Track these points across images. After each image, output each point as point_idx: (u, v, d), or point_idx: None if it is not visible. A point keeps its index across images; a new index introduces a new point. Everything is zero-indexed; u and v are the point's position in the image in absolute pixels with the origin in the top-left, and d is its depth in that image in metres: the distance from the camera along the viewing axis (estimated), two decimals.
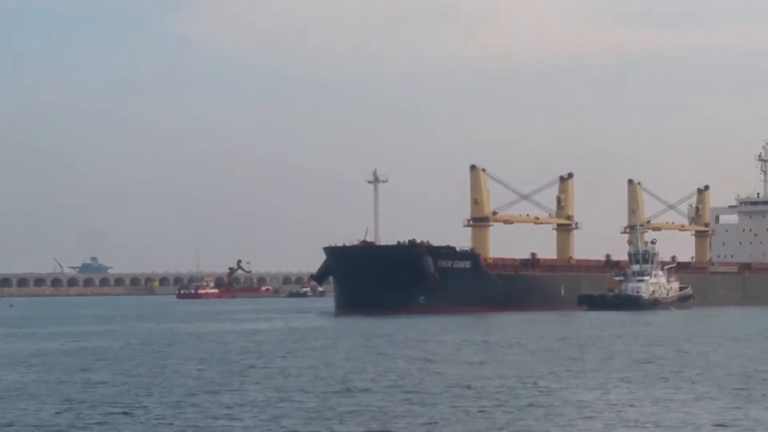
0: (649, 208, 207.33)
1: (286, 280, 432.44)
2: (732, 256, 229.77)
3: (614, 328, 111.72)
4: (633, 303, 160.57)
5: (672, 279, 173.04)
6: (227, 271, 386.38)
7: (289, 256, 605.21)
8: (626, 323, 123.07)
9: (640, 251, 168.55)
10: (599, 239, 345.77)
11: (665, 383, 54.90)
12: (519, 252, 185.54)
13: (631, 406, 45.76)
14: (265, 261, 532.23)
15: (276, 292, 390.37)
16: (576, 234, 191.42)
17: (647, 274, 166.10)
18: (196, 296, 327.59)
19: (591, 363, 68.02)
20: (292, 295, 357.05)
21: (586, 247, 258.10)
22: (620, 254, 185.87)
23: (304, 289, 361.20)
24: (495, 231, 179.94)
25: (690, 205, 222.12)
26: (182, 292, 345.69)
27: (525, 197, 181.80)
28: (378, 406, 45.48)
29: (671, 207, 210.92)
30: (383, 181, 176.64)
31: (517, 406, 45.79)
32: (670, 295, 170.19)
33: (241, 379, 57.70)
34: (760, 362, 68.47)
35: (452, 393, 50.39)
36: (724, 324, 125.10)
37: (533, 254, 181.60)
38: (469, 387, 52.95)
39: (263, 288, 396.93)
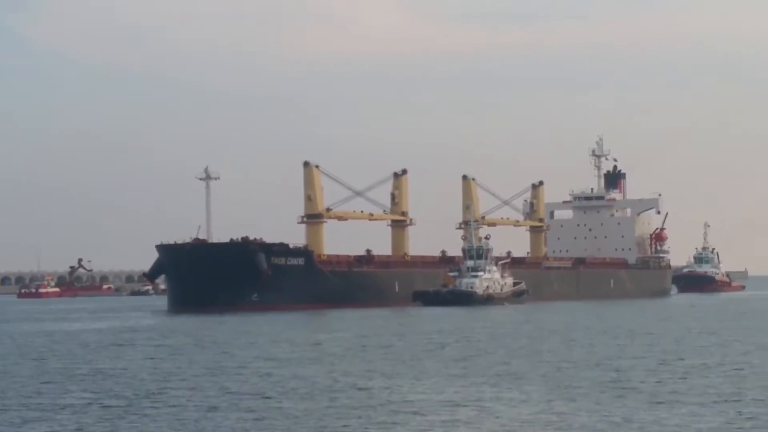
0: (484, 204, 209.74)
1: (129, 278, 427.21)
2: (567, 251, 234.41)
3: (443, 324, 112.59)
4: (467, 299, 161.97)
5: (506, 274, 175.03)
6: (69, 269, 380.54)
7: (131, 254, 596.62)
8: (460, 319, 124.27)
9: (474, 247, 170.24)
10: (435, 235, 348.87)
11: (487, 380, 55.24)
12: (354, 248, 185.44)
13: (456, 405, 45.55)
14: (108, 259, 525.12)
15: (118, 291, 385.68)
16: (411, 230, 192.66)
17: (481, 270, 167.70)
18: (37, 295, 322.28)
19: (409, 362, 68.17)
20: (134, 293, 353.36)
21: (421, 243, 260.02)
22: (455, 250, 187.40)
23: (146, 287, 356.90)
24: (329, 227, 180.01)
25: (525, 200, 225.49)
26: (23, 291, 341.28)
27: (359, 194, 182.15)
28: (172, 411, 44.86)
29: (506, 203, 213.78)
30: (215, 178, 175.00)
31: (324, 407, 45.42)
32: (504, 290, 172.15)
33: None
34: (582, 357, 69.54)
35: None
36: (550, 319, 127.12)
37: (368, 251, 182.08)
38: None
39: (105, 286, 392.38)
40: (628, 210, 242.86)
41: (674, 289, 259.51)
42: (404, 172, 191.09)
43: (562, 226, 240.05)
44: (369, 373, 58.43)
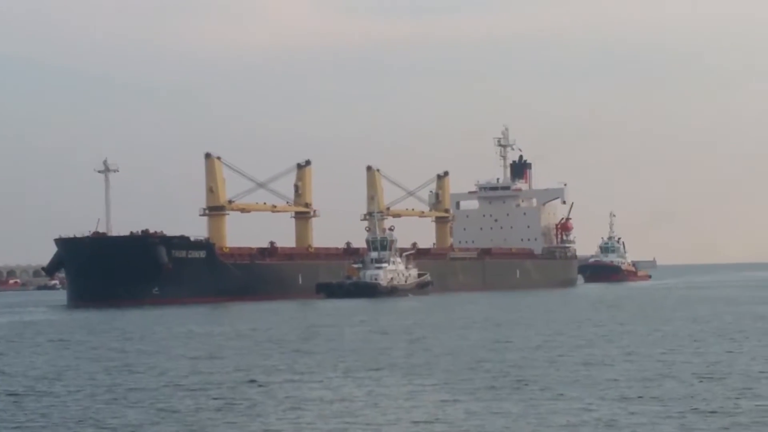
0: (389, 195, 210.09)
1: (36, 273, 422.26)
2: (473, 241, 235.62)
3: (344, 316, 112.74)
4: (371, 290, 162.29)
5: (410, 266, 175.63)
6: None
7: (38, 249, 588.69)
8: (362, 310, 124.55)
9: (378, 238, 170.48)
10: (340, 227, 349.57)
11: (389, 373, 55.30)
12: (258, 241, 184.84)
13: (349, 400, 45.48)
14: (15, 254, 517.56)
15: (24, 285, 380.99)
16: (315, 222, 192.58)
17: (385, 261, 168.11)
18: None
19: (313, 355, 68.14)
20: (40, 288, 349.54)
21: (326, 235, 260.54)
22: (360, 242, 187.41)
23: (53, 282, 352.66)
24: (232, 220, 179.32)
25: (430, 191, 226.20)
26: None
27: (262, 185, 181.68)
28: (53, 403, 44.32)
29: (411, 193, 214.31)
30: (114, 171, 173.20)
31: (216, 406, 45.14)
32: (409, 282, 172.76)
33: None
34: (484, 350, 69.96)
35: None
36: (452, 311, 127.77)
37: (272, 243, 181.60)
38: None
39: (11, 281, 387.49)
40: (534, 200, 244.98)
41: (581, 279, 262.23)
42: (308, 163, 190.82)
43: (468, 216, 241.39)
44: (261, 368, 58.22)
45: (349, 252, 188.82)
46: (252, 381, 51.48)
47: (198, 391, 48.14)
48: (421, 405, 42.12)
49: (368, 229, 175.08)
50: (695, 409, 40.17)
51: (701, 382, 48.31)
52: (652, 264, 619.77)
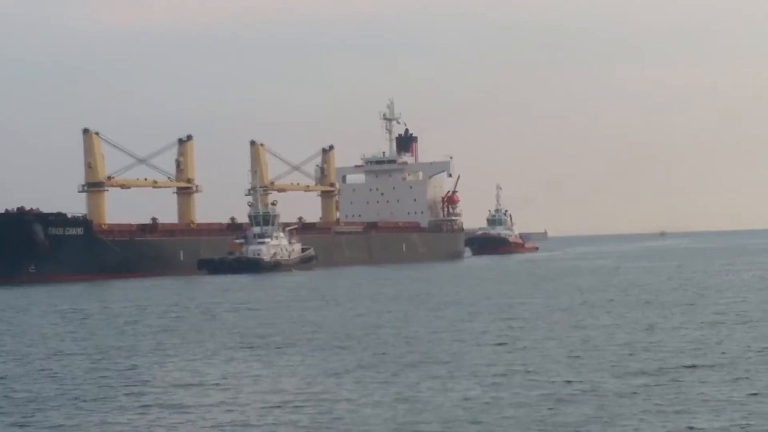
0: (273, 170, 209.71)
1: None
2: (360, 215, 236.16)
3: (225, 292, 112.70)
4: (253, 266, 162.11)
5: (294, 240, 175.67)
6: None
7: None
8: (244, 286, 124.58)
9: (261, 213, 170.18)
10: (224, 202, 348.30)
11: (257, 352, 55.51)
12: (140, 217, 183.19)
13: (207, 381, 45.62)
14: None
15: None
16: (199, 198, 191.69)
17: (268, 236, 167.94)
18: None
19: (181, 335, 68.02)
20: None
21: (211, 211, 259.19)
22: (245, 217, 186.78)
23: None
24: (112, 196, 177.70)
25: (316, 165, 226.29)
26: None
27: (142, 161, 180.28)
28: None
29: (296, 168, 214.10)
30: None
31: (87, 384, 44.98)
32: (292, 257, 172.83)
33: None
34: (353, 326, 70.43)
35: None
36: (335, 285, 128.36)
37: (154, 219, 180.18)
38: None
39: None
40: (420, 173, 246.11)
41: (468, 252, 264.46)
42: (189, 138, 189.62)
43: (354, 190, 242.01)
44: (135, 348, 58.09)
45: (233, 227, 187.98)
46: (114, 362, 51.40)
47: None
48: (285, 385, 42.09)
49: (251, 204, 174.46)
50: (552, 380, 41.12)
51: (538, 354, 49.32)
52: (544, 236, 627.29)
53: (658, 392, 36.82)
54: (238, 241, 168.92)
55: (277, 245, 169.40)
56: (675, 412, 32.94)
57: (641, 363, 44.49)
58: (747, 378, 39.51)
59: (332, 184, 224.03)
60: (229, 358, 50.63)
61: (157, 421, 34.41)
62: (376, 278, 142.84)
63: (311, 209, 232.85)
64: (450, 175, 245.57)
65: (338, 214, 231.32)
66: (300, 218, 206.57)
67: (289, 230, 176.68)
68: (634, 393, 36.70)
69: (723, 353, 47.24)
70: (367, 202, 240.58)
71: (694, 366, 43.10)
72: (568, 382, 39.72)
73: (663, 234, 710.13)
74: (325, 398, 37.73)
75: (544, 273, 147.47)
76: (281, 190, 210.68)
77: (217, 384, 42.32)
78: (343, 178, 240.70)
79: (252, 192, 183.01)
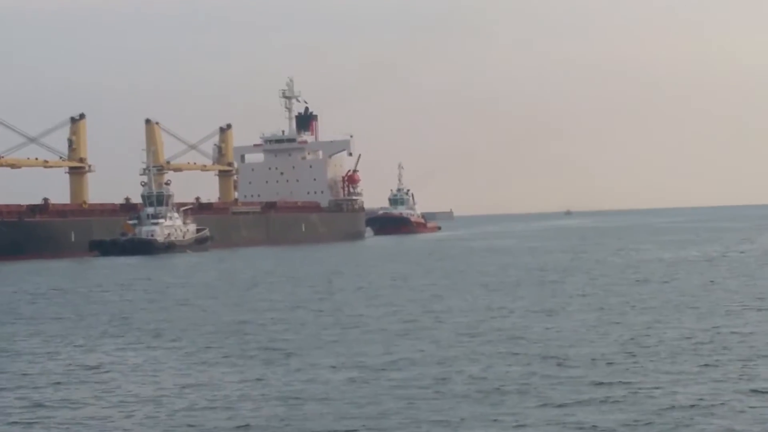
0: (170, 149, 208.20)
1: None
2: (259, 195, 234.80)
3: (114, 275, 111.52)
4: (147, 247, 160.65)
5: (189, 221, 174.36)
6: None
7: None
8: (136, 268, 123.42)
9: (154, 193, 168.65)
10: (119, 182, 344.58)
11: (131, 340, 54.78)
12: (31, 198, 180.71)
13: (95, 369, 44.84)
14: None
15: None
16: (93, 177, 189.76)
17: (162, 217, 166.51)
18: None
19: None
20: None
21: (106, 191, 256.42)
22: (139, 197, 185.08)
23: None
24: (2, 176, 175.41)
25: (214, 144, 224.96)
26: None
27: (33, 140, 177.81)
28: None
29: (193, 147, 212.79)
30: None
31: None
32: (187, 237, 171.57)
33: None
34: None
35: None
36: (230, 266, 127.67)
37: (45, 199, 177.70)
38: None
39: None
40: (320, 152, 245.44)
41: (370, 232, 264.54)
42: (82, 116, 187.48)
43: (253, 170, 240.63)
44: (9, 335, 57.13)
45: (127, 208, 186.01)
46: None
47: None
48: (152, 375, 41.36)
49: (144, 184, 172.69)
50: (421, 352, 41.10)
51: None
52: (450, 215, 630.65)
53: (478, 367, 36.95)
54: (130, 221, 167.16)
55: (171, 226, 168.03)
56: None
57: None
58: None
59: (230, 164, 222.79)
60: (105, 346, 49.88)
61: (19, 414, 33.60)
62: (271, 259, 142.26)
63: (209, 189, 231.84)
64: (350, 154, 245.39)
65: (237, 194, 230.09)
66: (197, 198, 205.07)
67: (184, 210, 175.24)
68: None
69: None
70: (266, 182, 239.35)
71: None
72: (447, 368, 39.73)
73: (568, 213, 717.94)
74: (189, 389, 37.27)
75: (441, 254, 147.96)
76: (177, 169, 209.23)
77: (88, 372, 41.67)
78: (242, 158, 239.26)
79: (146, 172, 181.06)
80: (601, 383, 34.06)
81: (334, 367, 39.89)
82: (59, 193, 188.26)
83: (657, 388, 32.96)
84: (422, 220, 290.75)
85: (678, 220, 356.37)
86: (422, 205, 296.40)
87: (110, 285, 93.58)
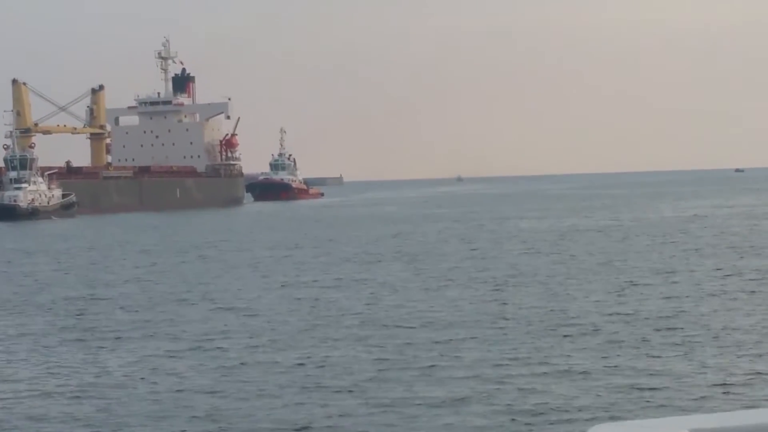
0: (39, 110, 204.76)
1: None
2: (133, 159, 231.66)
3: None
4: (9, 213, 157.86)
5: (54, 186, 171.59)
6: None
7: None
8: None
9: (17, 156, 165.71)
10: None
11: None
12: None
13: None
14: None
15: None
16: None
17: (25, 181, 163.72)
18: None
19: None
20: None
21: None
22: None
23: None
24: None
25: (87, 106, 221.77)
26: None
27: None
28: None
29: (62, 109, 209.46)
30: None
31: None
32: (52, 203, 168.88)
33: None
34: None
35: None
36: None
37: None
38: None
39: None
40: (197, 115, 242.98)
41: (249, 198, 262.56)
42: None
43: (127, 133, 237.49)
44: None
45: None
46: None
47: None
48: None
49: (6, 147, 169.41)
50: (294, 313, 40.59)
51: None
52: (339, 180, 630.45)
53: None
54: None
55: (36, 191, 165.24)
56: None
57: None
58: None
59: (102, 126, 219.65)
60: None
61: None
62: (136, 227, 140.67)
63: (81, 153, 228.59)
64: (228, 117, 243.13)
65: (110, 158, 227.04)
66: (68, 162, 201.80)
67: (49, 175, 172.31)
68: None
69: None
70: (141, 146, 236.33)
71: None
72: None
73: (459, 179, 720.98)
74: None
75: (317, 222, 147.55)
76: (46, 132, 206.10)
77: None
78: (116, 120, 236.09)
79: (9, 134, 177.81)
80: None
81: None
82: None
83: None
84: (304, 186, 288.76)
85: (570, 187, 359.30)
86: (311, 170, 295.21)
87: None
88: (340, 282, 59.82)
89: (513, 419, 26.44)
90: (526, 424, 26.10)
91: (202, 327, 43.47)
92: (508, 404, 27.89)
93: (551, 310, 45.36)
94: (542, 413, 26.92)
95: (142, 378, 32.99)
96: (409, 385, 30.34)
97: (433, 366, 33.13)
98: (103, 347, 39.16)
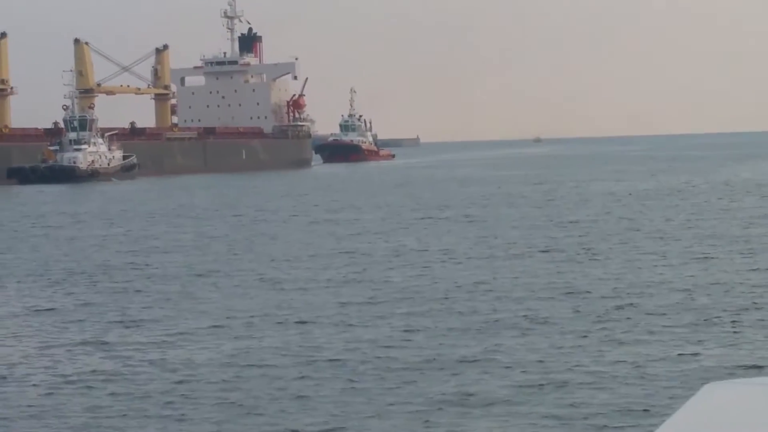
0: (103, 71, 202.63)
1: None
2: (199, 120, 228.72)
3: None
4: (69, 174, 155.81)
5: (114, 147, 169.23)
6: None
7: None
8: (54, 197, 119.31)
9: (77, 117, 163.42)
10: (47, 106, 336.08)
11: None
12: None
13: None
14: None
15: None
16: (18, 101, 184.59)
17: (85, 143, 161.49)
18: None
19: None
20: None
21: (34, 115, 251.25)
22: None
23: None
24: None
25: (153, 66, 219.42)
26: None
27: None
28: None
29: (126, 69, 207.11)
30: None
31: None
32: (112, 165, 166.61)
33: None
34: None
35: None
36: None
37: None
38: None
39: None
40: (264, 76, 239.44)
41: (318, 160, 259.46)
42: (3, 35, 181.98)
43: (193, 93, 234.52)
44: None
45: (54, 133, 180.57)
46: None
47: None
48: None
49: (66, 108, 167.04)
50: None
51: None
52: (416, 142, 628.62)
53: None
54: (52, 147, 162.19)
55: (95, 152, 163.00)
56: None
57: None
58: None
59: (166, 87, 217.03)
60: None
61: None
62: (199, 189, 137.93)
63: (145, 114, 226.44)
64: (296, 78, 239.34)
65: (175, 119, 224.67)
66: (132, 123, 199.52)
67: (110, 136, 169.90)
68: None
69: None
70: (207, 106, 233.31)
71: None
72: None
73: (538, 140, 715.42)
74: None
75: (380, 183, 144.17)
76: (109, 92, 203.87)
77: None
78: (182, 81, 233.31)
79: (70, 94, 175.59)
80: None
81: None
82: None
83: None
84: (374, 148, 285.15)
85: (651, 148, 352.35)
86: (387, 131, 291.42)
87: None
88: (397, 250, 55.92)
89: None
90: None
91: (239, 302, 39.95)
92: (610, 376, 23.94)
93: (631, 284, 41.28)
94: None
95: (164, 358, 29.51)
96: (472, 369, 26.51)
97: (498, 347, 29.24)
98: (123, 322, 35.79)
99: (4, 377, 28.10)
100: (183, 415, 23.74)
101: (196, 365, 28.47)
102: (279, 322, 34.47)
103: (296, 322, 34.37)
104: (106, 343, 32.13)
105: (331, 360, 28.49)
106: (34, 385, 27.10)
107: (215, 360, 29.04)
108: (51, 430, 23.16)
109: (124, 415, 23.93)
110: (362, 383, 25.78)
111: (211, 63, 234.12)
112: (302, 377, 26.59)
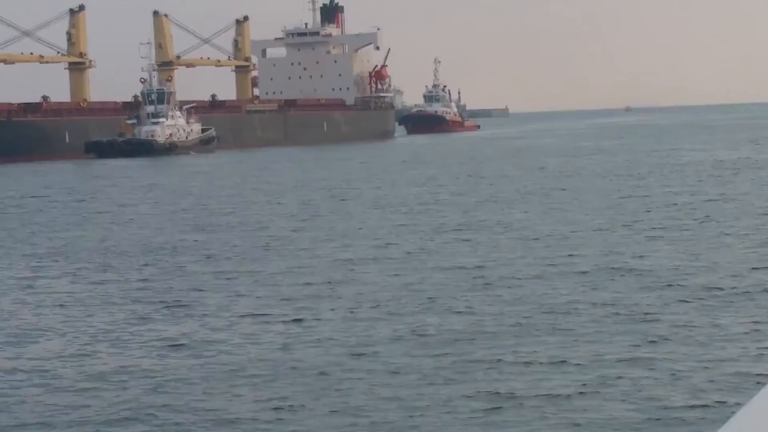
0: (182, 43, 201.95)
1: None
2: (281, 92, 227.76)
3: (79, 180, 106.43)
4: (146, 148, 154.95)
5: (192, 120, 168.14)
6: None
7: None
8: (134, 170, 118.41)
9: (155, 90, 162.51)
10: (125, 79, 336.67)
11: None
12: (31, 96, 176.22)
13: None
14: None
15: None
16: (96, 74, 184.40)
17: (163, 116, 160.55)
18: None
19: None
20: None
21: (113, 89, 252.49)
22: None
23: None
24: None
25: (233, 38, 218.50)
26: None
27: (28, 33, 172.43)
28: None
29: (206, 41, 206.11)
30: None
31: None
32: (190, 138, 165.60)
33: None
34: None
35: None
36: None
37: (44, 97, 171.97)
38: None
39: None
40: (346, 46, 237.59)
41: (402, 131, 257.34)
42: (81, 8, 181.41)
43: (274, 65, 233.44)
44: None
45: (132, 107, 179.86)
46: None
47: None
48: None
49: (143, 81, 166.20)
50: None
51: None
52: (505, 112, 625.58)
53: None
54: (129, 121, 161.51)
55: (173, 125, 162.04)
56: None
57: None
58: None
59: (247, 59, 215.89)
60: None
61: None
62: (274, 162, 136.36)
63: (227, 86, 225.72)
64: (378, 48, 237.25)
65: (257, 91, 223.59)
66: (213, 96, 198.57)
67: (188, 109, 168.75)
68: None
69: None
70: (289, 78, 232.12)
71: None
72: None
73: (628, 109, 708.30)
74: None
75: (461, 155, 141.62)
76: (189, 65, 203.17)
77: None
78: (263, 52, 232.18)
79: (148, 67, 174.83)
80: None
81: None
82: (60, 91, 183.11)
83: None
84: (459, 119, 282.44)
85: (742, 117, 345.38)
86: (476, 101, 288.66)
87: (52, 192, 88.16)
88: (460, 230, 53.51)
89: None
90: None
91: (293, 289, 37.93)
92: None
93: (708, 267, 38.63)
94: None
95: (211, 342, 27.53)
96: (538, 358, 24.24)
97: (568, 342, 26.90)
98: (164, 307, 33.89)
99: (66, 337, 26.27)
100: (226, 411, 21.74)
101: (241, 353, 26.49)
102: (332, 308, 32.40)
103: (347, 309, 32.28)
104: (153, 322, 30.26)
105: (372, 353, 26.34)
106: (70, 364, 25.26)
107: (257, 352, 27.05)
108: (88, 422, 21.29)
109: (165, 405, 22.12)
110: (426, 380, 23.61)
111: (293, 34, 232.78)
112: (345, 369, 24.52)
